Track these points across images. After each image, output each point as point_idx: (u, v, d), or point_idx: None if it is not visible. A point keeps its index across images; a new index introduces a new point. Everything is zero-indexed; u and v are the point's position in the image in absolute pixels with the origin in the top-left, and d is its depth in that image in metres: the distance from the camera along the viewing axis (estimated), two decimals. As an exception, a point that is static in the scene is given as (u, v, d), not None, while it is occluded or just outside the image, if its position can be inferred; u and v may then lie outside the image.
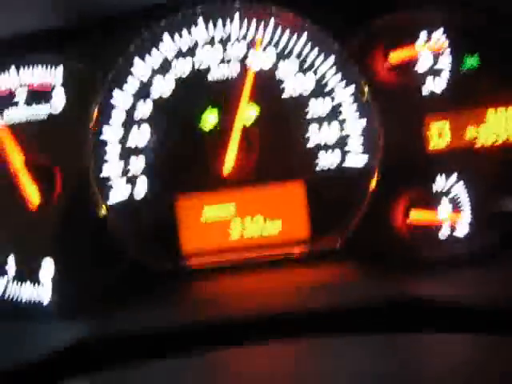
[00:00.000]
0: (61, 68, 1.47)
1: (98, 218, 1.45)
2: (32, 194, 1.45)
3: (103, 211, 1.45)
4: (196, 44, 1.44)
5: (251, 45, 1.43)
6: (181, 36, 1.44)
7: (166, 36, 1.44)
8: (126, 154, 1.45)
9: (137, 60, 1.44)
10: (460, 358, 1.03)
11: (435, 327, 1.06)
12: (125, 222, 1.45)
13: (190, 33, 1.44)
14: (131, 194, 1.45)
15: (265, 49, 1.43)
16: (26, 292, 1.47)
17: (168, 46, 1.44)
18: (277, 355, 1.07)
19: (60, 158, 1.47)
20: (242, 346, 1.07)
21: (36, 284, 1.46)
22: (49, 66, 1.47)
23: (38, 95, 1.47)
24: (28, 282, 1.47)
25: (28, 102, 1.47)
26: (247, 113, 1.42)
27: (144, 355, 1.07)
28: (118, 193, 1.46)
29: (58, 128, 1.47)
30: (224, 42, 1.44)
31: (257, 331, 1.11)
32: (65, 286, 1.46)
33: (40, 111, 1.47)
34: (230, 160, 1.42)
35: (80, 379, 1.05)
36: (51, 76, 1.47)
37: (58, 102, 1.47)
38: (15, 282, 1.47)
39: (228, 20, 1.44)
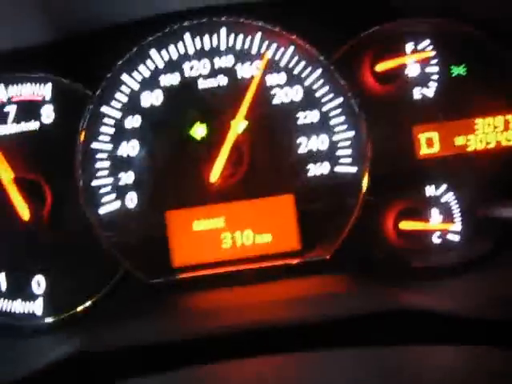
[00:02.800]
0: (49, 84, 1.47)
1: (89, 232, 1.44)
2: (22, 209, 1.45)
3: (94, 225, 1.44)
4: (183, 58, 1.45)
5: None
6: (168, 51, 1.45)
7: (153, 51, 1.45)
8: (116, 168, 1.45)
9: (125, 75, 1.45)
10: (450, 369, 1.02)
11: (428, 337, 1.06)
12: (115, 236, 1.45)
13: (177, 48, 1.45)
14: (121, 208, 1.45)
15: (252, 62, 1.44)
16: (18, 307, 1.47)
17: (155, 61, 1.45)
18: (268, 368, 1.06)
19: (50, 174, 1.47)
20: (233, 359, 1.07)
21: (28, 299, 1.46)
22: (37, 83, 1.47)
23: (27, 111, 1.48)
24: (20, 298, 1.47)
25: (17, 119, 1.48)
26: (238, 125, 1.42)
27: (135, 368, 1.06)
28: (108, 207, 1.46)
29: (48, 144, 1.47)
30: (211, 55, 1.45)
31: (248, 344, 1.10)
32: (57, 301, 1.46)
33: (29, 127, 1.48)
34: (217, 170, 1.42)
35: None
36: (40, 92, 1.48)
37: (47, 118, 1.47)
38: (7, 298, 1.47)
39: (215, 35, 1.44)
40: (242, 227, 1.44)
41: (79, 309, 1.44)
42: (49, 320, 1.45)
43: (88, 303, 1.44)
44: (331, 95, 1.43)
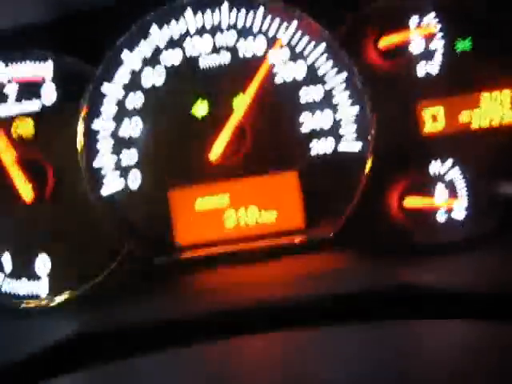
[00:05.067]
0: (50, 62, 1.46)
1: (92, 211, 1.44)
2: (25, 189, 1.44)
3: (97, 204, 1.44)
4: (185, 34, 1.43)
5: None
6: (169, 27, 1.43)
7: (154, 27, 1.43)
8: (118, 146, 1.45)
9: (126, 52, 1.43)
10: (458, 344, 1.01)
11: (433, 314, 1.05)
12: (118, 216, 1.45)
13: (178, 23, 1.43)
14: (124, 187, 1.45)
15: (255, 37, 1.42)
16: (23, 287, 1.47)
17: (157, 37, 1.43)
18: (276, 345, 1.06)
19: (52, 153, 1.47)
20: (239, 337, 1.06)
21: (32, 279, 1.47)
22: (38, 61, 1.46)
23: (28, 90, 1.46)
24: (24, 278, 1.47)
25: (18, 98, 1.47)
26: (243, 104, 1.41)
27: (141, 348, 1.06)
28: (111, 186, 1.45)
29: (49, 122, 1.47)
30: (213, 31, 1.43)
31: (255, 322, 1.10)
32: (60, 281, 1.46)
33: (31, 106, 1.46)
34: (218, 148, 1.41)
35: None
36: (41, 71, 1.46)
37: (49, 96, 1.46)
38: (12, 278, 1.47)
39: (217, 9, 1.42)
40: (246, 204, 1.43)
41: (83, 289, 1.44)
42: (53, 300, 1.45)
43: (91, 283, 1.44)
44: (335, 71, 1.41)
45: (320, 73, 1.42)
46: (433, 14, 1.42)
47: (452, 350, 0.97)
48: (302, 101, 1.42)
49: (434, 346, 1.00)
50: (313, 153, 1.42)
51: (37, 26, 1.41)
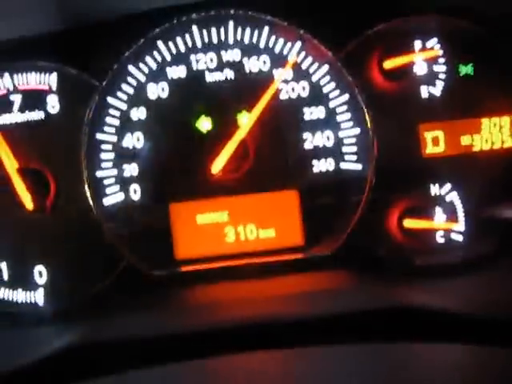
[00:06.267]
0: (55, 74, 1.46)
1: (92, 223, 1.44)
2: (26, 199, 1.44)
3: (97, 216, 1.44)
4: (190, 51, 1.44)
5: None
6: (175, 43, 1.44)
7: (160, 43, 1.44)
8: (120, 159, 1.45)
9: (131, 67, 1.44)
10: (453, 368, 1.01)
11: (429, 336, 1.05)
12: (119, 228, 1.45)
13: (184, 40, 1.44)
14: (125, 200, 1.45)
15: (259, 56, 1.44)
16: (20, 297, 1.47)
17: (162, 52, 1.44)
18: (270, 363, 1.06)
19: (54, 164, 1.47)
20: (234, 353, 1.06)
21: (30, 289, 1.46)
22: (43, 72, 1.46)
23: (33, 101, 1.46)
24: (22, 288, 1.46)
25: (22, 108, 1.47)
26: (249, 121, 1.42)
27: (136, 361, 1.06)
28: (112, 198, 1.45)
29: (52, 134, 1.47)
30: (218, 49, 1.44)
31: (250, 339, 1.10)
32: (58, 291, 1.46)
33: (34, 117, 1.47)
34: (220, 162, 1.42)
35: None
36: (45, 82, 1.46)
37: (53, 107, 1.47)
38: (9, 288, 1.47)
39: (222, 28, 1.43)
40: (245, 221, 1.44)
41: (80, 300, 1.44)
42: (50, 310, 1.45)
43: (90, 294, 1.44)
44: (338, 91, 1.43)
45: (323, 93, 1.43)
46: (436, 39, 1.44)
47: (445, 373, 0.97)
48: (305, 120, 1.43)
49: (428, 368, 1.00)
50: (314, 172, 1.43)
51: (43, 37, 1.40)
